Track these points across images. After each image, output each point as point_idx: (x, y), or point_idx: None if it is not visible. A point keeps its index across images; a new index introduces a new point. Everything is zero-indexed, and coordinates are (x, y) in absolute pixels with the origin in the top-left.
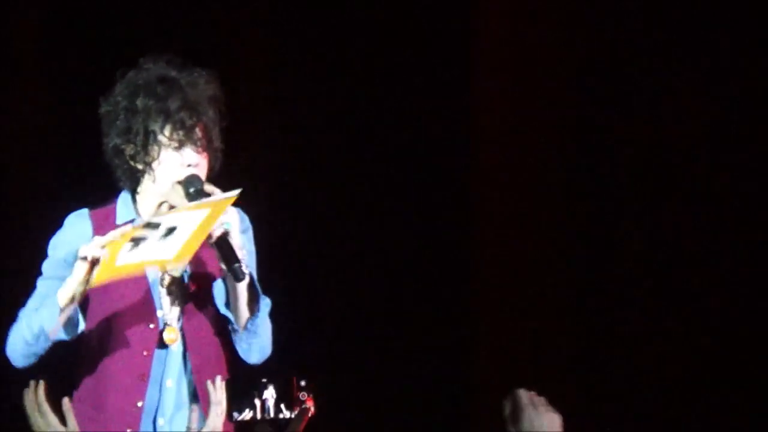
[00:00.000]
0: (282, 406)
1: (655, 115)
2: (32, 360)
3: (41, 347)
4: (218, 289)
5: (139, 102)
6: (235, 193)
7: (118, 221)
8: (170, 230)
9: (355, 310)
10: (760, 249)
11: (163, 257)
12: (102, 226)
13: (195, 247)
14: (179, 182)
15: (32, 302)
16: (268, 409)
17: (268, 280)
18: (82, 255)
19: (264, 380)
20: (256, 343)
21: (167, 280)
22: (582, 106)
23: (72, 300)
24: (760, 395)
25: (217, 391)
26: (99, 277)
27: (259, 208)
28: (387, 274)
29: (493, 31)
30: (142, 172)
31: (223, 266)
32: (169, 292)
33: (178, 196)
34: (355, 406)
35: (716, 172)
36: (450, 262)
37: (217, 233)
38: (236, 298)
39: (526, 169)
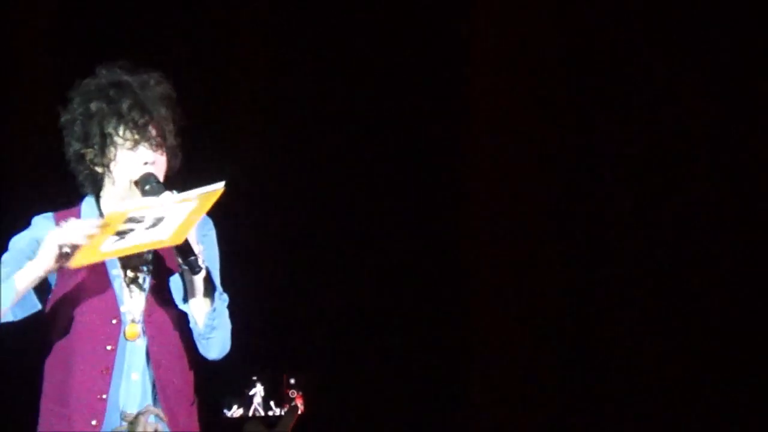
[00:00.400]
0: (272, 403)
1: (653, 114)
2: None
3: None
4: (175, 284)
5: (93, 106)
6: (220, 185)
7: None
8: (157, 220)
9: (346, 308)
10: (760, 249)
11: (159, 239)
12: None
13: (188, 229)
14: (135, 182)
15: None
16: (258, 406)
17: (256, 277)
18: (60, 241)
19: (254, 378)
20: (215, 338)
21: (129, 276)
22: (579, 104)
23: (30, 284)
24: (760, 396)
25: None
26: (78, 261)
27: (253, 205)
28: (379, 271)
29: (489, 30)
30: (102, 176)
31: (179, 259)
32: (131, 288)
33: (136, 195)
34: (345, 404)
35: (714, 172)
36: (445, 258)
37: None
38: (193, 293)
39: (522, 167)
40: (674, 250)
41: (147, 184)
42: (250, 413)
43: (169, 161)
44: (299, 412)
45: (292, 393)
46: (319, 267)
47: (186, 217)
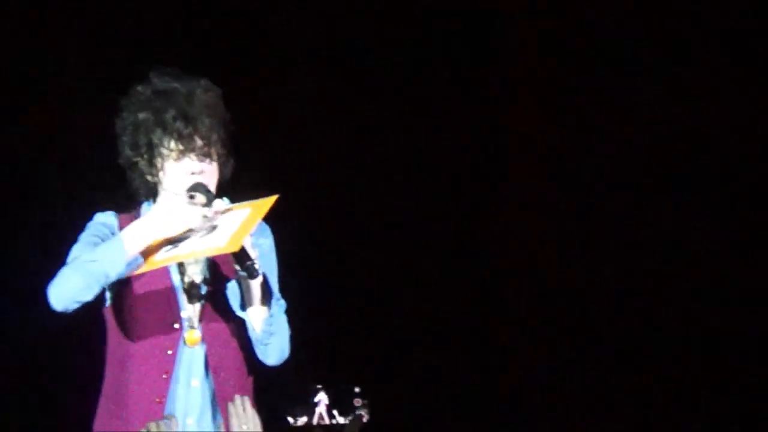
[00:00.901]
0: (336, 412)
1: (685, 114)
2: (76, 306)
3: (96, 292)
4: (233, 291)
5: (141, 116)
6: (273, 198)
7: None
8: (212, 229)
9: (410, 318)
10: None
11: (215, 245)
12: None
13: (244, 236)
14: (186, 191)
15: (85, 256)
16: (322, 415)
17: (322, 285)
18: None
19: (318, 386)
20: (273, 343)
21: (187, 282)
22: (606, 108)
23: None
24: None
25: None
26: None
27: (314, 211)
28: (437, 284)
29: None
30: (155, 184)
31: (237, 265)
32: (189, 294)
33: (184, 208)
34: (410, 413)
35: (744, 172)
36: (491, 266)
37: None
38: (250, 299)
39: (554, 170)
40: (709, 249)
41: (196, 194)
42: (314, 421)
43: (219, 170)
44: (364, 421)
45: (357, 401)
46: (380, 278)
47: (240, 224)
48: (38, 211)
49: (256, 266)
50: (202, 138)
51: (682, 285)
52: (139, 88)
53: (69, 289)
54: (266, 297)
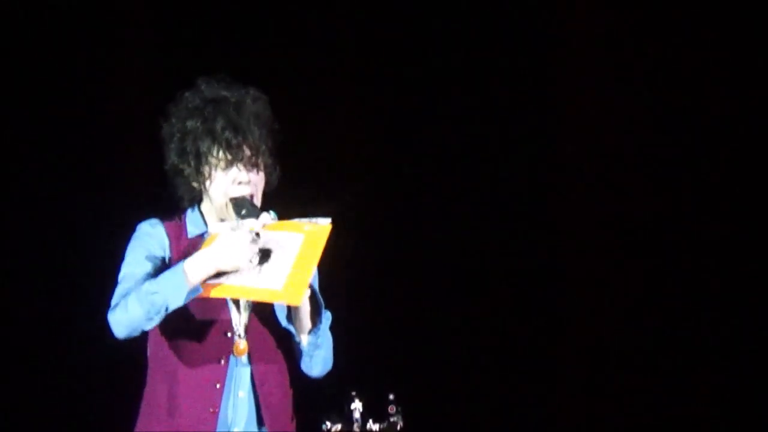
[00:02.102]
0: (370, 419)
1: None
2: (137, 334)
3: (156, 322)
4: (279, 306)
5: (189, 124)
6: (327, 221)
7: (189, 235)
8: (265, 254)
9: (446, 323)
10: None
11: (272, 287)
12: (177, 237)
13: (304, 285)
14: (232, 201)
15: (146, 287)
16: (357, 421)
17: (356, 293)
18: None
19: (353, 393)
20: (318, 355)
21: None
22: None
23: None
24: None
25: None
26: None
27: (351, 217)
28: (474, 288)
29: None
30: (200, 191)
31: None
32: (237, 304)
33: (232, 215)
34: (445, 420)
35: None
36: (536, 274)
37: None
38: (298, 312)
39: (609, 168)
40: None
41: (242, 208)
42: (351, 429)
43: (266, 180)
44: (399, 427)
45: (392, 408)
46: (417, 283)
47: (295, 261)
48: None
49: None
50: (250, 148)
51: None
52: (188, 95)
53: (131, 319)
54: (315, 310)
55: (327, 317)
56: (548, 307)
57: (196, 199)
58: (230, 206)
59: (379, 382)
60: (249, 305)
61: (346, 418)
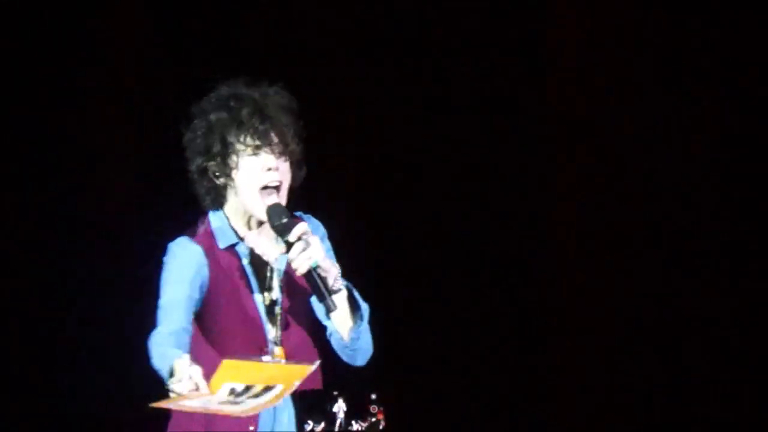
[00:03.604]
0: (351, 419)
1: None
2: None
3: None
4: (317, 302)
5: (213, 117)
6: (313, 367)
7: (221, 245)
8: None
9: (427, 322)
10: None
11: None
12: (211, 251)
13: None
14: (267, 208)
15: (165, 333)
16: (340, 422)
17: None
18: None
19: (335, 393)
20: (361, 347)
21: (267, 300)
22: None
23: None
24: None
25: None
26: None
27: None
28: (459, 287)
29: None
30: (225, 188)
31: (320, 302)
32: (270, 314)
33: (261, 205)
34: (427, 419)
35: None
36: (526, 269)
37: (302, 270)
38: (337, 314)
39: (604, 162)
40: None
41: (279, 216)
42: (333, 429)
43: (292, 171)
44: (381, 427)
45: (374, 408)
46: (399, 281)
47: (272, 396)
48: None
49: (332, 303)
50: (278, 134)
51: None
52: (212, 94)
53: (155, 365)
54: (354, 307)
55: (365, 312)
56: (537, 305)
57: (221, 199)
58: (258, 194)
59: (361, 382)
60: (279, 312)
61: (329, 419)
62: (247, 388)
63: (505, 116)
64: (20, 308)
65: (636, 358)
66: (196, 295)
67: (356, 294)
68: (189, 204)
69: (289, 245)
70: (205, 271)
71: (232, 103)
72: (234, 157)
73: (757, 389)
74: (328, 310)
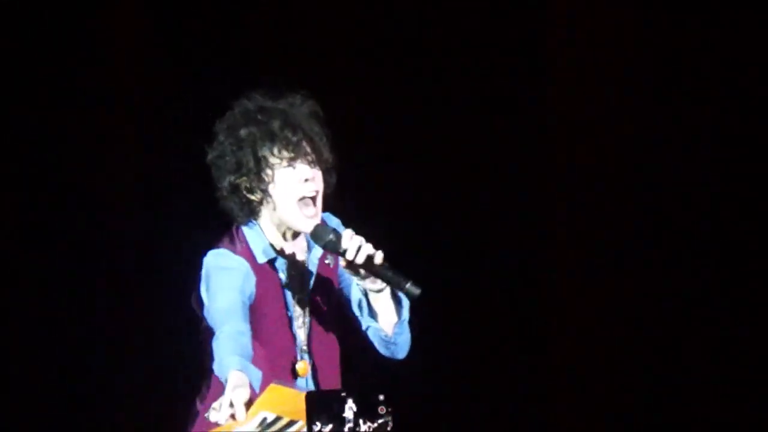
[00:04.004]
0: (361, 420)
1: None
2: None
3: None
4: (355, 302)
5: (243, 132)
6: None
7: (260, 260)
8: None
9: (435, 323)
10: None
11: None
12: (253, 265)
13: None
14: (311, 234)
15: (224, 338)
16: (348, 422)
17: None
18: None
19: (343, 394)
20: (404, 341)
21: (300, 311)
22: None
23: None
24: None
25: None
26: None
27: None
28: (464, 286)
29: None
30: (260, 203)
31: (393, 288)
32: (301, 324)
33: (300, 216)
34: (436, 420)
35: None
36: (529, 270)
37: (360, 259)
38: (380, 308)
39: (605, 162)
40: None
41: (325, 239)
42: (341, 430)
43: (325, 179)
44: (389, 428)
45: (382, 409)
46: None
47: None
48: None
49: (414, 287)
50: (310, 144)
51: None
52: (235, 110)
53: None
54: (397, 303)
55: (407, 306)
56: (542, 306)
57: (254, 215)
58: (297, 206)
59: (369, 383)
60: (307, 319)
61: (338, 420)
62: (276, 420)
63: (505, 116)
64: (21, 309)
65: (636, 358)
66: (247, 303)
67: (398, 290)
68: (187, 203)
69: (345, 254)
70: (252, 284)
71: (260, 117)
72: (269, 171)
73: (757, 389)
74: (412, 297)
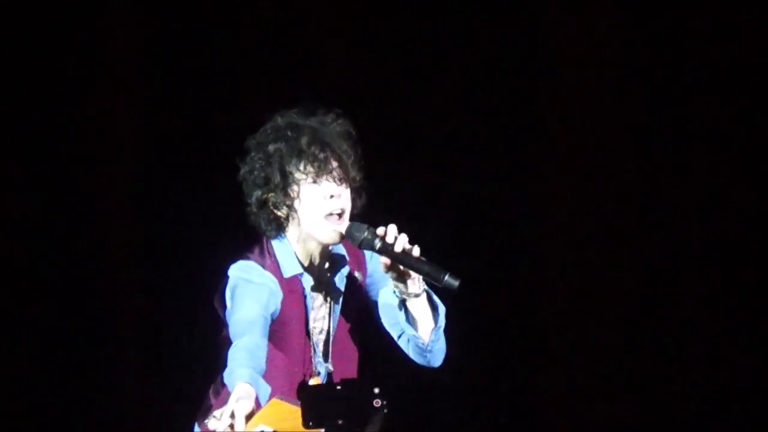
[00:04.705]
0: (356, 413)
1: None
2: None
3: None
4: (386, 310)
5: (271, 148)
6: None
7: (285, 274)
8: None
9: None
10: None
11: None
12: (279, 278)
13: None
14: (346, 233)
15: (240, 347)
16: (344, 416)
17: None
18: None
19: (339, 387)
20: (440, 348)
21: (321, 327)
22: (649, 107)
23: None
24: None
25: None
26: None
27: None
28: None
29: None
30: (286, 218)
31: (430, 282)
32: (322, 341)
33: (327, 231)
34: (429, 411)
35: None
36: (521, 266)
37: (399, 247)
38: (417, 314)
39: (595, 168)
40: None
41: (360, 238)
42: (337, 423)
43: (353, 198)
44: (383, 421)
45: (377, 402)
46: None
47: None
48: None
49: (452, 278)
50: (338, 161)
51: None
52: (267, 126)
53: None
54: (434, 309)
55: (443, 312)
56: (538, 304)
57: (281, 229)
58: (322, 222)
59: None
60: (331, 338)
61: (332, 414)
62: None
63: (502, 116)
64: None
65: (632, 357)
66: (269, 319)
67: (434, 297)
68: (183, 202)
69: (385, 249)
70: (278, 301)
71: (289, 133)
72: (295, 187)
73: (754, 388)
74: (451, 289)
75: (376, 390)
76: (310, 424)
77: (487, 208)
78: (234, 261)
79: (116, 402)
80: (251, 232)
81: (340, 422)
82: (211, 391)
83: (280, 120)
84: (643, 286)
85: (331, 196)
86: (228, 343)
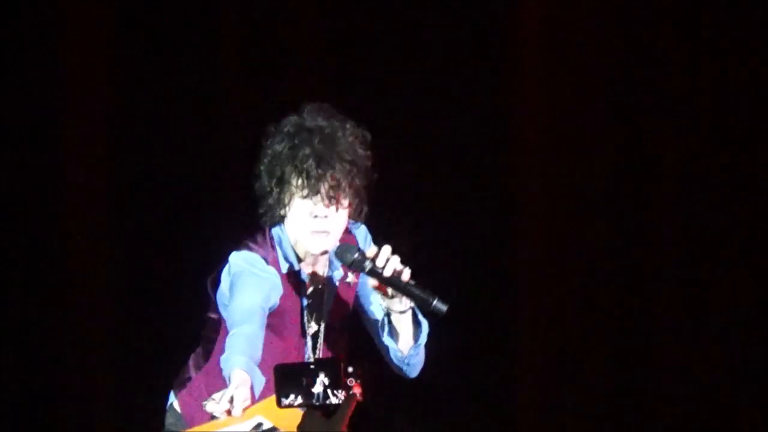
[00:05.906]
0: (329, 392)
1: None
2: None
3: None
4: (370, 323)
5: (278, 147)
6: None
7: (284, 269)
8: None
9: None
10: None
11: None
12: (280, 273)
13: None
14: (335, 253)
15: (239, 334)
16: (318, 395)
17: None
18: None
19: (312, 366)
20: (418, 362)
21: (315, 323)
22: (623, 104)
23: None
24: None
25: None
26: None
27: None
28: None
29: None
30: (283, 216)
31: (417, 307)
32: (314, 337)
33: (312, 245)
34: (402, 392)
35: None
36: (493, 252)
37: (388, 272)
38: (400, 329)
39: (566, 166)
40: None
41: (350, 259)
42: (311, 402)
43: (350, 214)
44: (357, 400)
45: (350, 381)
46: None
47: None
48: None
49: (440, 304)
50: (331, 181)
51: None
52: (290, 118)
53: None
54: (416, 325)
55: (425, 330)
56: (508, 282)
57: (280, 222)
58: (307, 237)
59: (338, 355)
60: (321, 336)
61: (308, 392)
62: (272, 430)
63: (473, 116)
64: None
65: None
66: (266, 312)
67: (419, 314)
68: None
69: (375, 272)
70: (277, 296)
71: (296, 139)
72: (288, 195)
73: (734, 379)
74: (438, 314)
75: (350, 369)
76: (282, 401)
77: (458, 212)
78: (238, 249)
79: (88, 371)
80: (246, 220)
81: (313, 401)
82: (191, 363)
83: (300, 116)
84: (624, 291)
85: (315, 216)
86: (212, 323)
